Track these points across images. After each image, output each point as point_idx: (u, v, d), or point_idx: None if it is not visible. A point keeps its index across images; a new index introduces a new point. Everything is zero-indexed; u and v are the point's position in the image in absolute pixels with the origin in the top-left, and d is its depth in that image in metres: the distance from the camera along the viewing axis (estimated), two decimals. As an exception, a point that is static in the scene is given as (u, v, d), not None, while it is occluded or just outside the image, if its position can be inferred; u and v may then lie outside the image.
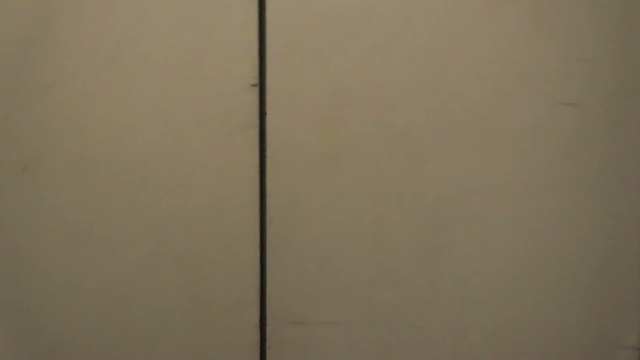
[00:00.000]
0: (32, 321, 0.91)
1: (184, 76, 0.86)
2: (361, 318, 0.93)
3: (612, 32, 0.87)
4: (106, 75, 0.86)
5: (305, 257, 0.92)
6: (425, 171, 0.91)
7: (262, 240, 0.91)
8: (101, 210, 0.89)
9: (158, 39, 0.85)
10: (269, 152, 0.89)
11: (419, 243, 0.92)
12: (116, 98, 0.86)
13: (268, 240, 0.91)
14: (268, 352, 0.92)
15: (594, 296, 0.93)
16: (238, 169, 0.89)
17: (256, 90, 0.87)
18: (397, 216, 0.92)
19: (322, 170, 0.90)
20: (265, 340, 0.92)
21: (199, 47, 0.86)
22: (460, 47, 0.88)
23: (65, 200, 0.88)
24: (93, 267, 0.90)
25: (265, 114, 0.88)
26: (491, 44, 0.88)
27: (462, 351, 0.94)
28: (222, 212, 0.90)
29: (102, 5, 0.84)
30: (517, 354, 0.94)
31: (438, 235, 0.93)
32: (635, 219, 0.91)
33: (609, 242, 0.92)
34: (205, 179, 0.89)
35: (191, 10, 0.85)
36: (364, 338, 0.93)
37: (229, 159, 0.89)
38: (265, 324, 0.92)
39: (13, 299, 0.91)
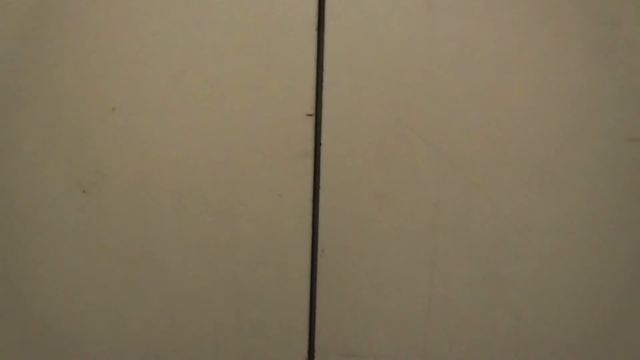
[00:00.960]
0: (83, 344, 0.92)
1: (242, 104, 0.87)
2: (413, 353, 0.91)
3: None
4: (168, 100, 0.87)
5: (356, 289, 0.91)
6: (483, 204, 0.89)
7: (312, 270, 0.90)
8: (157, 234, 0.90)
9: (219, 66, 0.86)
10: (322, 182, 0.88)
11: (474, 277, 0.90)
12: (176, 123, 0.87)
13: (319, 270, 0.90)
14: (316, 384, 0.91)
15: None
16: (292, 198, 0.88)
17: (312, 120, 0.87)
18: (453, 250, 0.90)
19: (376, 202, 0.89)
20: (313, 372, 0.91)
21: (258, 76, 0.86)
22: (523, 80, 0.86)
23: (123, 224, 0.90)
24: (146, 289, 0.91)
25: (320, 144, 0.87)
26: (555, 78, 0.86)
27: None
28: (275, 240, 0.89)
29: (166, 33, 0.85)
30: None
31: (495, 270, 0.90)
32: None
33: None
34: (259, 206, 0.89)
35: (251, 40, 0.86)
36: (414, 374, 0.91)
37: (283, 188, 0.88)
38: (314, 356, 0.91)
39: (64, 319, 0.92)
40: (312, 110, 0.87)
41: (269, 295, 0.91)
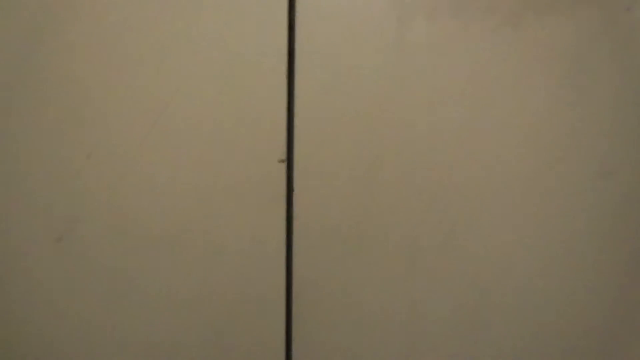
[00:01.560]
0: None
1: (215, 151, 0.86)
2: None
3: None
4: (142, 147, 0.86)
5: (333, 333, 0.90)
6: (461, 243, 0.88)
7: (288, 315, 0.90)
8: (133, 282, 0.89)
9: (192, 113, 0.85)
10: (295, 228, 0.87)
11: (454, 326, 0.89)
12: (150, 170, 0.86)
13: (294, 316, 0.89)
14: None
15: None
16: (265, 244, 0.88)
17: (284, 166, 0.85)
18: (432, 290, 0.89)
19: (352, 245, 0.88)
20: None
21: (230, 123, 0.85)
22: (496, 117, 0.85)
23: (98, 272, 0.89)
24: (124, 337, 0.90)
25: (292, 190, 0.86)
26: (527, 113, 0.85)
27: None
28: (249, 285, 0.89)
29: (140, 80, 0.84)
30: None
31: (475, 309, 0.89)
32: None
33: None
34: (234, 252, 0.88)
35: (222, 87, 0.84)
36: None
37: (256, 234, 0.88)
38: (291, 401, 0.91)
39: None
40: (283, 156, 0.85)
41: (245, 341, 0.90)
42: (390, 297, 0.90)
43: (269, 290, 0.89)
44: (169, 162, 0.86)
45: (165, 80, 0.84)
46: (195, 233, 0.88)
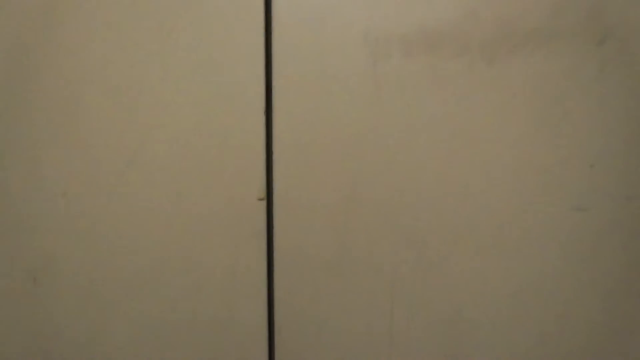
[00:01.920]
0: None
1: (194, 189, 0.86)
2: None
3: (619, 138, 0.85)
4: (119, 185, 0.86)
5: (315, 366, 0.91)
6: (439, 276, 0.89)
7: (270, 349, 0.90)
8: (111, 322, 0.89)
9: (170, 151, 0.85)
10: (276, 263, 0.88)
11: (433, 352, 0.90)
12: (127, 208, 0.86)
13: (276, 349, 0.90)
14: None
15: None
16: (246, 279, 0.88)
17: (264, 203, 0.86)
18: (411, 324, 0.90)
19: (331, 280, 0.89)
20: None
21: (209, 162, 0.85)
22: (471, 154, 0.86)
23: (75, 312, 0.89)
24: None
25: (272, 227, 0.87)
26: (501, 150, 0.86)
27: None
28: (231, 321, 0.89)
29: (117, 117, 0.84)
30: None
31: (453, 343, 0.91)
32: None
33: (623, 345, 0.89)
34: (215, 289, 0.88)
35: (200, 125, 0.84)
36: None
37: (237, 269, 0.88)
38: None
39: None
40: (263, 195, 0.86)
41: (228, 376, 0.91)
42: (371, 326, 0.91)
43: (251, 324, 0.90)
44: (146, 201, 0.86)
45: (143, 117, 0.84)
46: (176, 271, 0.89)
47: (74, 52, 0.83)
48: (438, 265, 0.89)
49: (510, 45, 0.84)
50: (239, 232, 0.87)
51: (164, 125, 0.84)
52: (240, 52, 0.83)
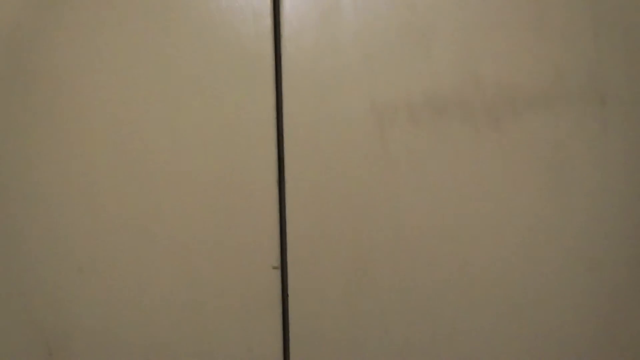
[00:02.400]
0: None
1: (208, 260, 0.86)
2: None
3: (628, 194, 0.86)
4: (134, 258, 0.86)
5: None
6: (455, 346, 0.88)
7: None
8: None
9: (183, 223, 0.86)
10: (292, 333, 0.87)
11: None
12: (143, 283, 0.86)
13: None
14: None
15: None
16: (262, 351, 0.87)
17: (278, 272, 0.86)
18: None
19: (347, 351, 0.87)
20: None
21: (222, 232, 0.86)
22: (482, 215, 0.87)
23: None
24: None
25: (287, 295, 0.86)
26: (510, 212, 0.87)
27: None
28: (247, 397, 0.87)
29: (130, 191, 0.86)
30: None
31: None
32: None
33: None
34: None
35: (213, 197, 0.86)
36: None
37: (252, 341, 0.87)
38: None
39: None
40: (277, 263, 0.86)
41: None
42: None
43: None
44: (160, 275, 0.87)
45: (155, 191, 0.86)
46: (190, 344, 0.88)
47: (87, 138, 0.86)
48: (452, 333, 0.88)
49: (514, 109, 0.86)
50: (254, 303, 0.87)
51: (175, 199, 0.86)
52: (251, 124, 0.85)
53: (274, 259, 0.86)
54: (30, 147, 0.87)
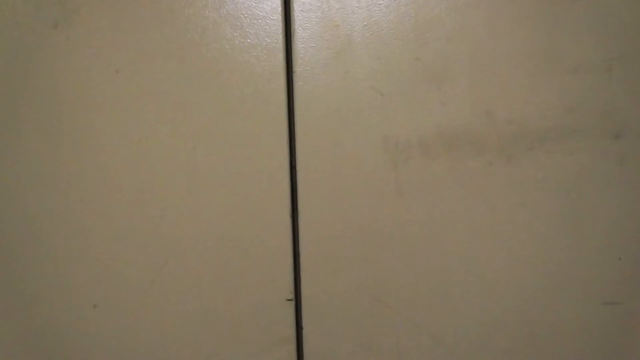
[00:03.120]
0: None
1: (222, 294, 0.88)
2: None
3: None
4: (148, 296, 0.88)
5: None
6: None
7: None
8: None
9: (197, 258, 0.88)
10: (306, 366, 0.88)
11: None
12: (157, 319, 0.88)
13: None
14: None
15: None
16: (276, 384, 0.88)
17: (292, 304, 0.87)
18: None
19: (361, 384, 0.88)
20: None
21: (236, 265, 0.87)
22: (496, 253, 0.87)
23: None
24: None
25: (302, 328, 0.87)
26: (525, 246, 0.87)
27: None
28: None
29: (144, 227, 0.87)
30: None
31: None
32: None
33: None
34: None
35: (227, 230, 0.87)
36: None
37: (266, 374, 0.88)
38: None
39: None
40: (291, 295, 0.87)
41: None
42: None
43: None
44: (175, 310, 0.88)
45: (170, 226, 0.87)
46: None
47: (103, 173, 0.88)
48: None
49: (528, 143, 0.86)
50: (268, 336, 0.88)
51: (191, 233, 0.87)
52: (264, 161, 0.87)
53: (288, 291, 0.87)
54: (42, 175, 0.88)
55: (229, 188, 0.87)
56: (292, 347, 0.88)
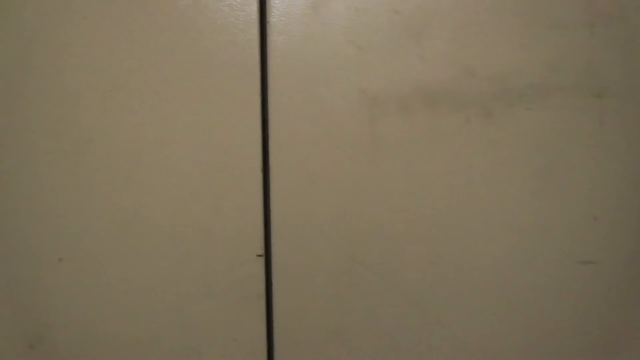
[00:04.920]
0: None
1: (191, 249, 0.86)
2: None
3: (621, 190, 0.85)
4: (116, 249, 0.86)
5: None
6: (443, 338, 0.87)
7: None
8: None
9: (166, 212, 0.85)
10: (276, 324, 0.86)
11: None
12: (125, 272, 0.86)
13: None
14: None
15: None
16: (246, 341, 0.87)
17: (262, 260, 0.85)
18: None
19: (333, 342, 0.87)
20: None
21: (205, 221, 0.85)
22: (472, 212, 0.86)
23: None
24: None
25: (272, 285, 0.86)
26: (503, 206, 0.86)
27: None
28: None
29: (113, 182, 0.85)
30: None
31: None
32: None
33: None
34: (214, 352, 0.87)
35: (196, 184, 0.85)
36: None
37: (237, 332, 0.86)
38: None
39: None
40: (261, 251, 0.85)
41: None
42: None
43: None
44: (143, 264, 0.86)
45: (139, 181, 0.84)
46: (174, 334, 0.87)
47: (73, 127, 0.85)
48: (442, 324, 0.87)
49: (507, 100, 0.84)
50: (238, 293, 0.86)
51: (160, 188, 0.85)
52: (236, 112, 0.84)
53: (259, 246, 0.85)
54: (11, 135, 0.84)
55: (199, 141, 0.84)
56: (262, 304, 0.86)
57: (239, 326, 0.86)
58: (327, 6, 0.83)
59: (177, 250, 0.86)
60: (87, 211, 0.85)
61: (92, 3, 0.82)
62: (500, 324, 0.87)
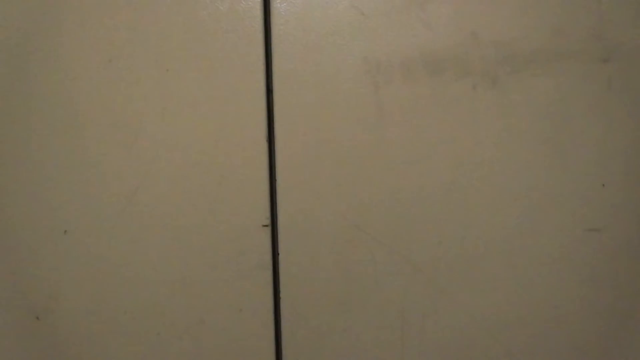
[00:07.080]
0: None
1: (197, 219, 0.85)
2: None
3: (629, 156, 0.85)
4: (120, 220, 0.85)
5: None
6: (449, 306, 0.87)
7: (278, 383, 0.88)
8: (112, 358, 0.87)
9: (171, 182, 0.85)
10: (283, 293, 0.86)
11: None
12: (130, 244, 0.86)
13: (284, 383, 0.88)
14: None
15: None
16: (252, 311, 0.86)
17: (268, 230, 0.85)
18: (422, 354, 0.87)
19: (339, 311, 0.87)
20: None
21: (211, 190, 0.85)
22: (479, 179, 0.85)
23: (78, 350, 0.87)
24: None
25: (278, 254, 0.86)
26: (510, 174, 0.85)
27: None
28: (237, 356, 0.87)
29: (117, 151, 0.84)
30: None
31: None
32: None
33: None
34: (220, 322, 0.87)
35: (203, 155, 0.84)
36: None
37: (243, 302, 0.86)
38: None
39: None
40: (267, 221, 0.85)
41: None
42: (378, 355, 0.88)
43: (258, 356, 0.87)
44: (148, 234, 0.85)
45: (143, 152, 0.84)
46: (180, 304, 0.87)
47: (75, 98, 0.84)
48: (448, 292, 0.87)
49: (513, 66, 0.83)
50: (244, 263, 0.86)
51: (164, 159, 0.84)
52: (240, 81, 0.83)
53: (264, 217, 0.85)
54: (16, 110, 0.84)
55: (204, 111, 0.84)
56: (269, 273, 0.86)
57: (245, 297, 0.86)
58: (330, -27, 0.82)
59: (182, 222, 0.85)
60: (92, 183, 0.85)
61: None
62: (506, 291, 0.87)
